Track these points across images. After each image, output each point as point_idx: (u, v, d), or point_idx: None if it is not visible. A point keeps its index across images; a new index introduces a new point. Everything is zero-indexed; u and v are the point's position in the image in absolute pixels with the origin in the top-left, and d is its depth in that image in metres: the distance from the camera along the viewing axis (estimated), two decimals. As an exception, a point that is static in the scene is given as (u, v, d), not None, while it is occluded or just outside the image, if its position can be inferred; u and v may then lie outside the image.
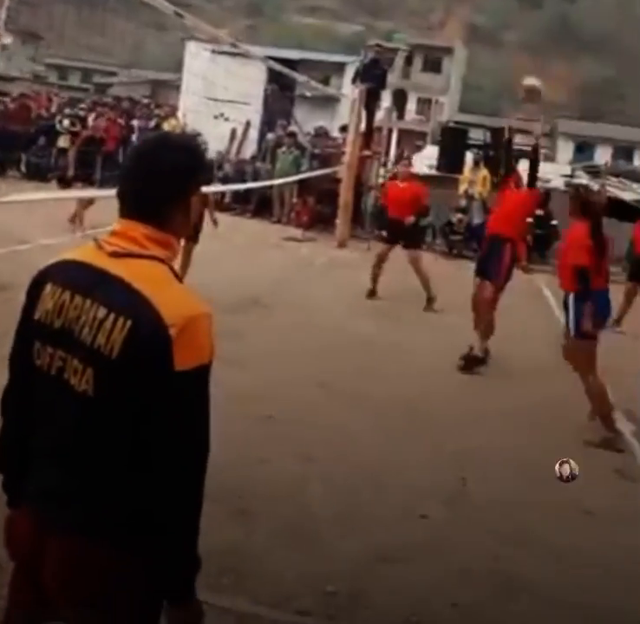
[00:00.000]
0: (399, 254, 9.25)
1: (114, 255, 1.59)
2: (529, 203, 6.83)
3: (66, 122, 17.49)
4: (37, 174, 15.93)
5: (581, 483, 4.47)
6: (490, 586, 3.40)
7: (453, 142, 15.51)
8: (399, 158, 10.39)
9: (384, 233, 9.57)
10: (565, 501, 4.25)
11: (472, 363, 6.49)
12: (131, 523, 1.55)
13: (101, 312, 1.55)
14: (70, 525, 1.57)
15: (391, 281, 9.23)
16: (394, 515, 3.93)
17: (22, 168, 16.79)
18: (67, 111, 18.32)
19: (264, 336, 6.93)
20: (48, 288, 1.62)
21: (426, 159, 16.12)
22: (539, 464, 4.73)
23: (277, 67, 14.17)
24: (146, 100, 22.97)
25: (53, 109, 18.82)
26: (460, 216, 14.35)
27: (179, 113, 21.48)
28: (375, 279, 9.12)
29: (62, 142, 17.08)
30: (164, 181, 1.62)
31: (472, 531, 3.86)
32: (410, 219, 9.10)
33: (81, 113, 18.24)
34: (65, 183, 11.91)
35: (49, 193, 10.15)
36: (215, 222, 8.20)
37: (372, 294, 9.11)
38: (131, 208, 1.63)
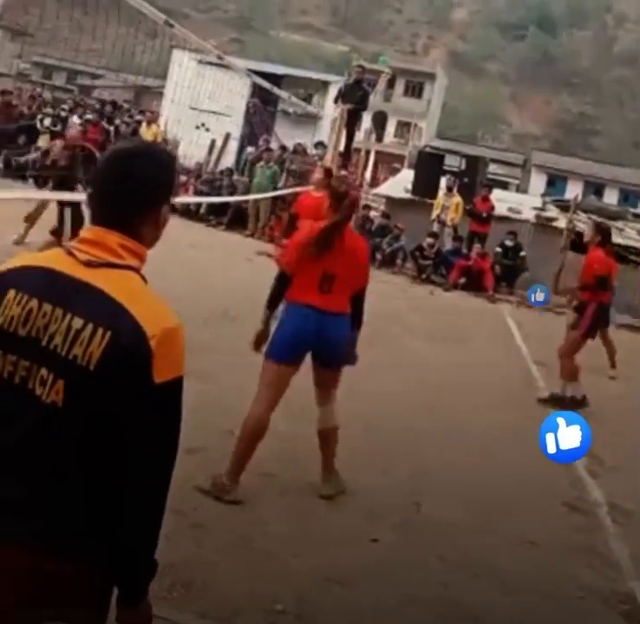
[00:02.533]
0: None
1: (89, 264, 1.56)
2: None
3: (47, 121, 17.43)
4: (16, 171, 15.75)
5: (530, 514, 4.61)
6: (436, 612, 3.45)
7: (428, 167, 15.71)
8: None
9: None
10: (514, 531, 4.34)
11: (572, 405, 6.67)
12: (89, 534, 1.55)
13: (77, 322, 1.52)
14: (26, 537, 1.53)
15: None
16: (345, 536, 3.96)
17: (0, 164, 16.60)
18: (48, 110, 18.23)
19: (232, 350, 6.94)
20: (12, 293, 1.57)
21: (401, 183, 16.32)
22: (493, 492, 4.83)
23: (260, 81, 14.23)
24: (127, 105, 22.86)
25: (35, 108, 18.64)
26: (430, 240, 14.38)
27: (161, 121, 21.47)
28: None
29: (42, 141, 17.01)
30: (141, 191, 1.61)
31: (421, 557, 3.90)
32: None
33: (63, 113, 18.18)
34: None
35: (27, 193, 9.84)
36: None
37: None
38: (105, 216, 1.61)
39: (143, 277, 1.63)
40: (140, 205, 1.62)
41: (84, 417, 1.52)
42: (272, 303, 4.24)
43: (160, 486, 1.58)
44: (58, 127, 17.38)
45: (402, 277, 14.26)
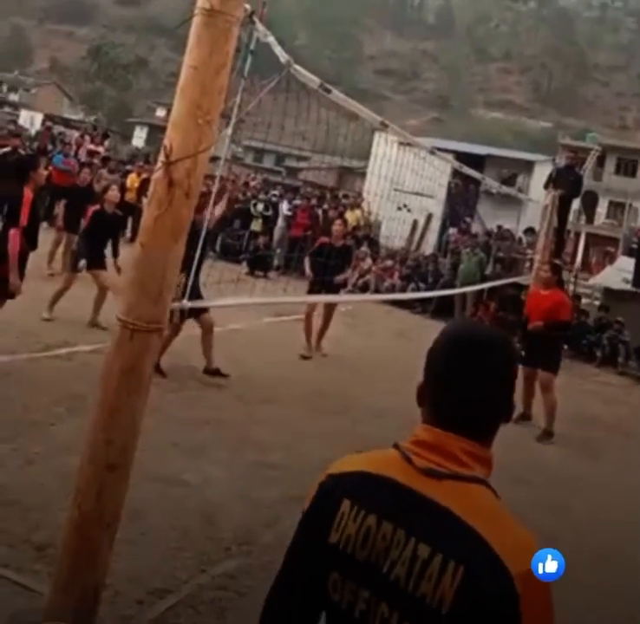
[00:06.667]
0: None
1: (431, 474, 1.33)
2: None
3: (260, 207, 18.48)
4: (229, 255, 16.66)
5: None
6: None
7: (653, 257, 14.61)
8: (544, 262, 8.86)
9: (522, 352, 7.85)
10: None
11: None
12: None
13: (423, 550, 1.27)
14: None
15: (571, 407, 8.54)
16: None
17: (217, 248, 17.59)
18: (261, 196, 19.32)
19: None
20: (347, 505, 1.36)
21: (619, 272, 15.36)
22: None
23: (451, 160, 14.05)
24: (333, 191, 23.82)
25: (249, 194, 19.81)
26: (657, 337, 13.15)
27: (364, 203, 22.12)
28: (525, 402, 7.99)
29: (255, 226, 18.03)
30: (501, 391, 1.38)
31: None
32: (539, 324, 7.78)
33: (274, 198, 19.20)
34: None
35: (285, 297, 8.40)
36: None
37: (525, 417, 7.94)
38: (453, 418, 1.36)
39: (495, 492, 1.35)
40: (497, 407, 1.38)
41: None
42: None
43: None
44: (270, 212, 18.37)
45: (626, 378, 13.04)
